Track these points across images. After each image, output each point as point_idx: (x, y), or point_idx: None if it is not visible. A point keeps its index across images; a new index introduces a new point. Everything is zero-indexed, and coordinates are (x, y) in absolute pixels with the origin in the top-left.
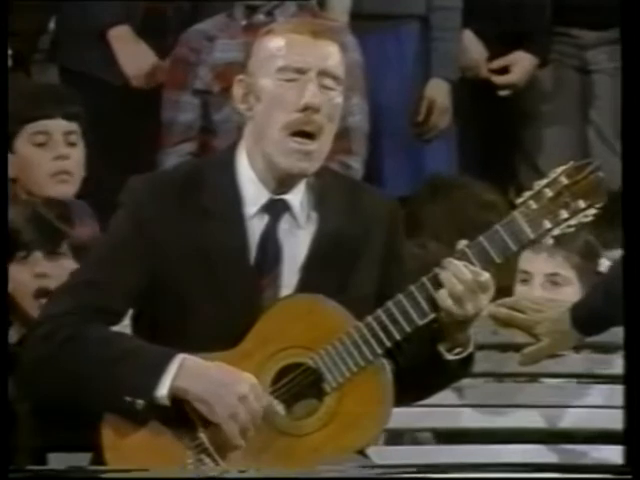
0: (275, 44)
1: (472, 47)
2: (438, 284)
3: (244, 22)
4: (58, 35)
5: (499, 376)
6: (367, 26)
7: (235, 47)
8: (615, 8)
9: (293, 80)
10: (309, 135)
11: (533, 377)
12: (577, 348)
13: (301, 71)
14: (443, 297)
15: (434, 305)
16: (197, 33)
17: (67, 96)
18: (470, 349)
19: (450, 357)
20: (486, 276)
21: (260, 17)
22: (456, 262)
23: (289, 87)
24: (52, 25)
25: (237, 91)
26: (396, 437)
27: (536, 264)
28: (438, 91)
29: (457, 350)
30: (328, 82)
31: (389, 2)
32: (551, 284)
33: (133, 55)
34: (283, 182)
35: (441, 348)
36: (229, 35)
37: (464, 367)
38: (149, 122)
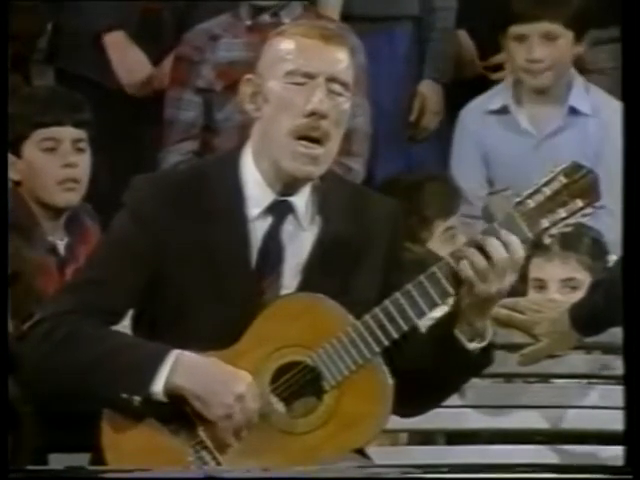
0: (285, 47)
1: (466, 46)
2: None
3: (249, 22)
4: (55, 37)
5: (499, 377)
6: (360, 27)
7: (239, 46)
8: (613, 6)
9: (301, 84)
10: (315, 140)
11: (532, 377)
12: (587, 349)
13: (309, 76)
14: (466, 268)
15: (456, 283)
16: (201, 32)
17: (78, 103)
18: (488, 338)
19: (471, 347)
20: (519, 253)
21: (265, 17)
22: (487, 238)
23: (297, 91)
24: (50, 27)
25: (245, 90)
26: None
27: (549, 271)
28: (429, 92)
29: (477, 340)
30: (336, 88)
31: (382, 3)
32: (567, 289)
33: (128, 63)
34: (289, 184)
35: (460, 337)
36: (233, 34)
37: (485, 357)
38: (146, 124)
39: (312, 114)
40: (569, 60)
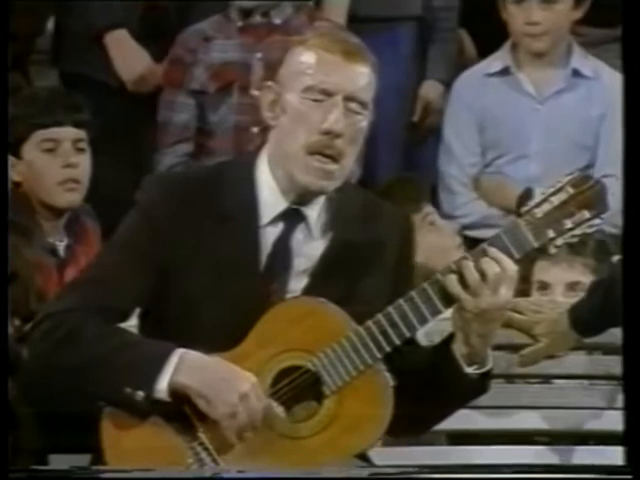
0: (306, 59)
1: (468, 46)
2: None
3: (240, 23)
4: (57, 38)
5: (500, 377)
6: (363, 28)
7: (231, 47)
8: (618, 6)
9: (319, 101)
10: (329, 157)
11: (533, 378)
12: (587, 349)
13: (328, 93)
14: (453, 284)
15: (447, 300)
16: (193, 33)
17: (77, 103)
18: (487, 366)
19: (469, 371)
20: (510, 268)
21: (257, 18)
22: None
23: (314, 107)
24: (49, 27)
25: (264, 97)
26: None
27: (555, 274)
28: (432, 92)
29: (475, 365)
30: (354, 106)
31: (385, 4)
32: (572, 293)
33: (129, 60)
34: (302, 195)
35: (459, 359)
36: (225, 35)
37: (481, 384)
38: (148, 123)
39: (327, 133)
40: (567, 25)
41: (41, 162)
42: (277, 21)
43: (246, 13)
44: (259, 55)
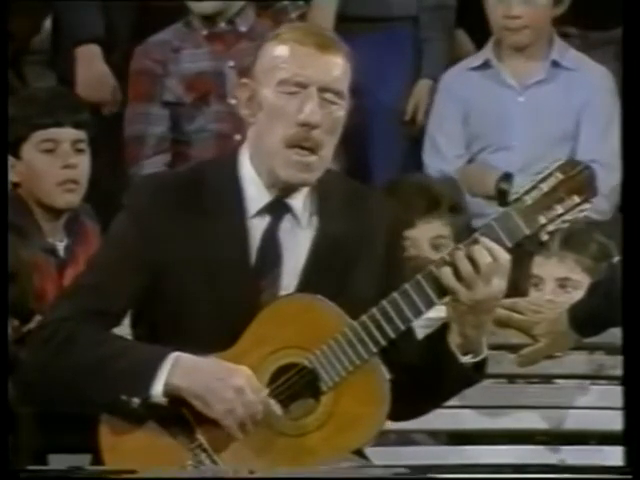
0: (279, 53)
1: (465, 45)
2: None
3: (205, 32)
4: (54, 40)
5: (501, 377)
6: (358, 28)
7: (202, 57)
8: (620, 7)
9: (294, 94)
10: (308, 149)
11: (534, 378)
12: (589, 349)
13: (302, 85)
14: (448, 276)
15: (441, 292)
16: (157, 44)
17: (77, 104)
18: (482, 355)
19: (464, 360)
20: (503, 257)
21: (222, 26)
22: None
23: (289, 100)
24: (46, 27)
25: (241, 95)
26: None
27: (547, 268)
28: (425, 91)
29: (470, 355)
30: (329, 96)
31: (380, 3)
32: (562, 288)
33: (93, 80)
34: (285, 189)
35: (454, 349)
36: (193, 45)
37: (477, 373)
38: None
39: (304, 124)
40: (548, 20)
41: (40, 163)
42: (243, 28)
43: (208, 21)
44: (231, 63)
